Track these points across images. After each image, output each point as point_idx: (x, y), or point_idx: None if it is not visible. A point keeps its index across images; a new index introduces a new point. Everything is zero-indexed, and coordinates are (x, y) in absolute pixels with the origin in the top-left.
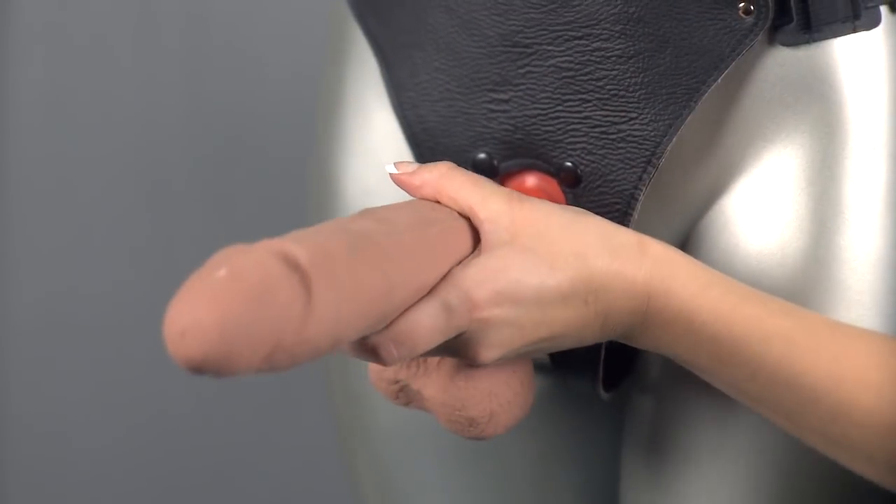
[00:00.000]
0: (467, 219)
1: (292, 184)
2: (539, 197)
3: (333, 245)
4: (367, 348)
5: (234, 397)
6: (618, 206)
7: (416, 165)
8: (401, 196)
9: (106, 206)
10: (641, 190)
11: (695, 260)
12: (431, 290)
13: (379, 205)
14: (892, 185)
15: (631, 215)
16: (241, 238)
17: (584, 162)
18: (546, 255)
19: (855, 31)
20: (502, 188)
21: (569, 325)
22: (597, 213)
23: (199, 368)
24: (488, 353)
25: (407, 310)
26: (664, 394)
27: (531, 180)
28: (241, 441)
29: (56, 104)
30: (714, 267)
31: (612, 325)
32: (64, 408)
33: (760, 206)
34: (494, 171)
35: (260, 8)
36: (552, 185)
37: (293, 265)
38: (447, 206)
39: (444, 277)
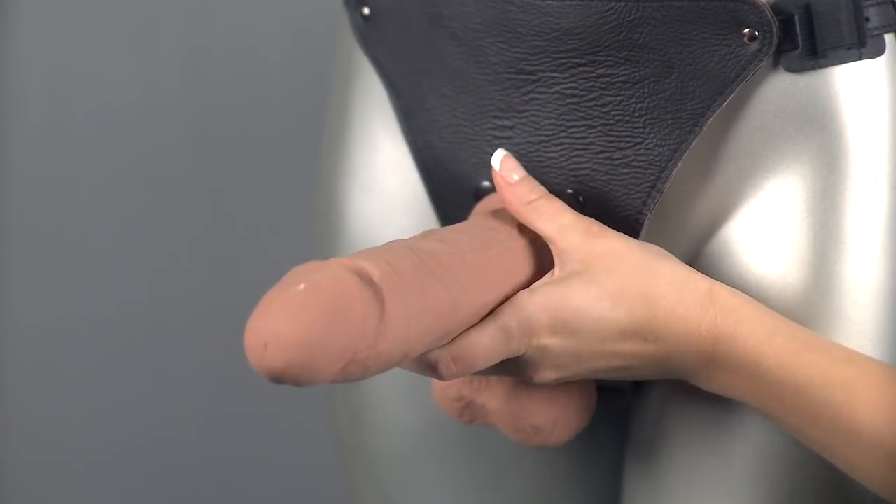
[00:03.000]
0: (527, 239)
1: (292, 184)
2: None
3: (402, 263)
4: (428, 364)
5: (234, 399)
6: (622, 233)
7: (523, 172)
8: (404, 226)
9: (106, 206)
10: (646, 215)
11: (761, 306)
12: (494, 311)
13: (383, 232)
14: (893, 216)
15: (637, 238)
16: (240, 238)
17: (587, 189)
18: (612, 291)
19: (861, 58)
20: (584, 220)
21: (628, 360)
22: None
23: (279, 378)
24: (544, 375)
25: (468, 329)
26: (665, 407)
27: None
28: (242, 443)
29: (56, 104)
30: None
31: (674, 365)
32: (64, 408)
33: (761, 236)
34: None
35: (260, 8)
36: None
37: (367, 281)
38: (507, 226)
39: (509, 300)
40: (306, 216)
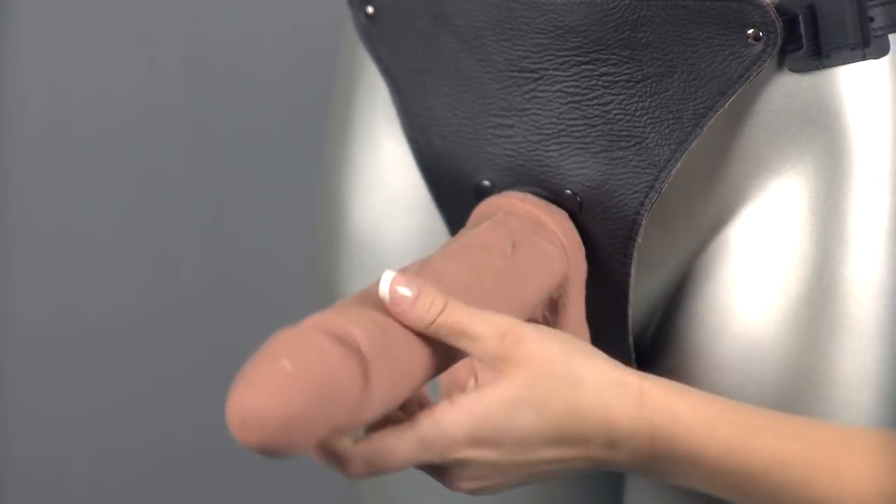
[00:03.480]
0: (521, 257)
1: (294, 183)
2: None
3: (387, 321)
4: (337, 457)
5: None
6: (620, 232)
7: (416, 287)
8: (407, 225)
9: (106, 206)
10: (644, 215)
11: (697, 394)
12: (414, 418)
13: (386, 231)
14: None
15: (634, 240)
16: (241, 238)
17: (585, 188)
18: (536, 404)
19: (864, 58)
20: (497, 326)
21: (558, 464)
22: (600, 239)
23: (257, 451)
24: (462, 485)
25: (385, 433)
26: None
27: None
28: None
29: (56, 104)
30: (717, 295)
31: (611, 464)
32: (64, 408)
33: (764, 236)
34: None
35: (261, 7)
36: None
37: (354, 350)
38: (501, 243)
39: (429, 410)
40: (308, 215)
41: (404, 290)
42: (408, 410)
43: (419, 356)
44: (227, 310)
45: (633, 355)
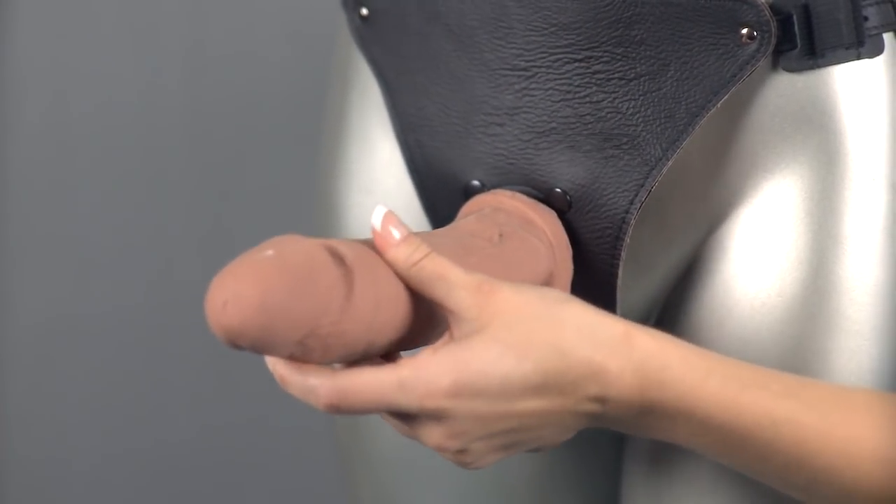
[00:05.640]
0: (507, 246)
1: (291, 184)
2: (531, 212)
3: (377, 256)
4: (307, 387)
5: (234, 400)
6: (609, 231)
7: (405, 230)
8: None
9: (106, 206)
10: (633, 214)
11: (688, 345)
12: (397, 361)
13: None
14: (892, 216)
15: (623, 239)
16: (239, 239)
17: (575, 187)
18: (516, 346)
19: (859, 57)
20: (474, 277)
21: (544, 416)
22: (588, 238)
23: (235, 340)
24: (445, 442)
25: (364, 367)
26: None
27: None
28: (242, 444)
29: (56, 104)
30: (712, 296)
31: (602, 418)
32: (64, 408)
33: (759, 236)
34: None
35: (259, 9)
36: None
37: (339, 259)
38: (488, 232)
39: (409, 357)
40: (305, 216)
41: (394, 229)
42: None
43: (402, 295)
44: None
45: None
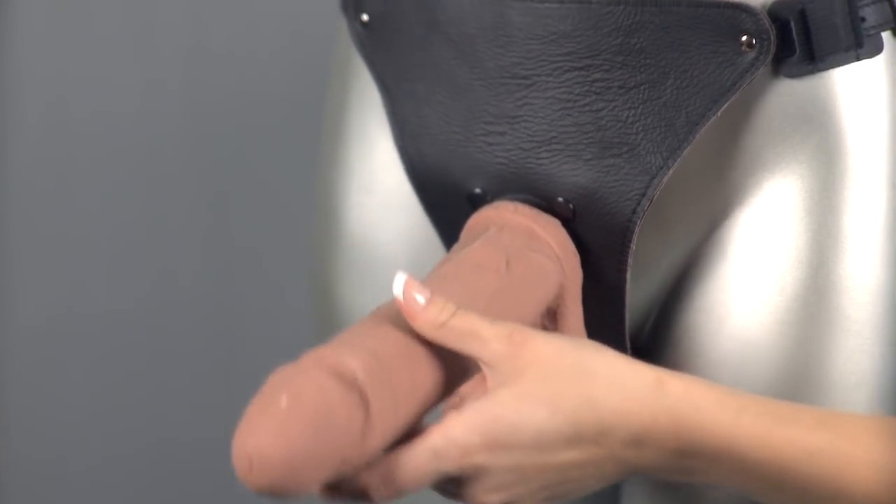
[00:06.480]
0: (514, 276)
1: (291, 185)
2: (535, 222)
3: (387, 346)
4: (355, 490)
5: (234, 400)
6: (614, 239)
7: (428, 292)
8: (402, 226)
9: (106, 206)
10: (636, 222)
11: (719, 386)
12: (425, 432)
13: (381, 232)
14: (892, 215)
15: (628, 246)
16: (239, 239)
17: (578, 196)
18: (547, 399)
19: (858, 59)
20: (504, 327)
21: (583, 466)
22: (594, 246)
23: (268, 494)
24: (488, 497)
25: (396, 450)
26: None
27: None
28: None
29: (56, 104)
30: (712, 295)
31: (637, 463)
32: (64, 408)
33: (760, 235)
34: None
35: (259, 10)
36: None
37: (350, 382)
38: (495, 261)
39: (436, 424)
40: (305, 216)
41: (417, 295)
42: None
43: (422, 376)
44: (226, 309)
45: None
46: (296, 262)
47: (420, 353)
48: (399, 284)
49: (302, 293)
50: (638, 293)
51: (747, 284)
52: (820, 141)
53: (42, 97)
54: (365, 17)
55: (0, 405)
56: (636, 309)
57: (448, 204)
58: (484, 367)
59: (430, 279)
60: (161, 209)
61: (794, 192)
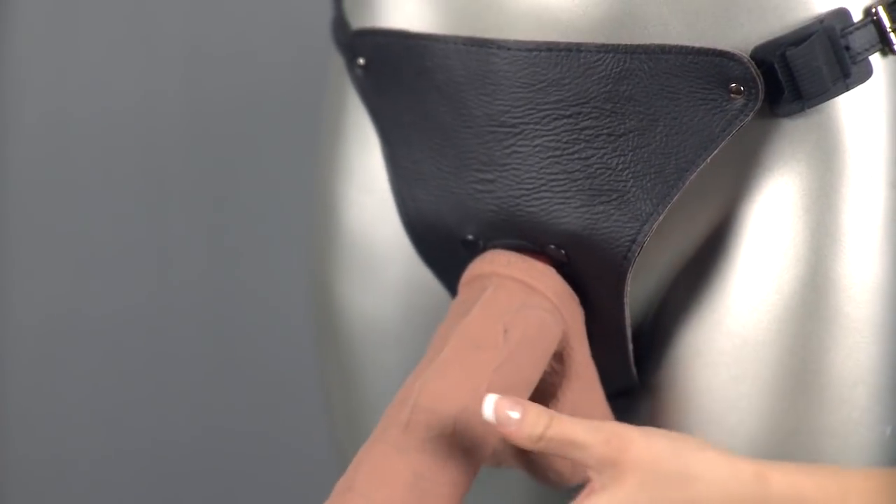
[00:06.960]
0: (510, 349)
1: (291, 185)
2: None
3: (396, 491)
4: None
5: (234, 399)
6: (609, 281)
7: (521, 406)
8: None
9: (106, 206)
10: (628, 267)
11: (819, 470)
12: None
13: (380, 232)
14: (890, 213)
15: (623, 288)
16: (239, 239)
17: (569, 242)
18: (648, 503)
19: (848, 88)
20: (602, 431)
21: None
22: (590, 287)
23: None
24: None
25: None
26: (660, 403)
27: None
28: (241, 444)
29: (56, 104)
30: (710, 294)
31: None
32: (64, 408)
33: (758, 234)
34: (480, 252)
35: (259, 10)
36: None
37: None
38: (492, 335)
39: None
40: (305, 217)
41: (512, 412)
42: None
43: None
44: (227, 309)
45: (637, 381)
46: (295, 260)
47: (427, 487)
48: (490, 405)
49: (301, 292)
50: (636, 292)
51: (745, 282)
52: (818, 139)
53: (42, 97)
54: (361, 61)
55: (0, 405)
56: (634, 308)
57: (443, 249)
58: (589, 471)
59: (432, 367)
60: (160, 209)
61: (793, 191)
